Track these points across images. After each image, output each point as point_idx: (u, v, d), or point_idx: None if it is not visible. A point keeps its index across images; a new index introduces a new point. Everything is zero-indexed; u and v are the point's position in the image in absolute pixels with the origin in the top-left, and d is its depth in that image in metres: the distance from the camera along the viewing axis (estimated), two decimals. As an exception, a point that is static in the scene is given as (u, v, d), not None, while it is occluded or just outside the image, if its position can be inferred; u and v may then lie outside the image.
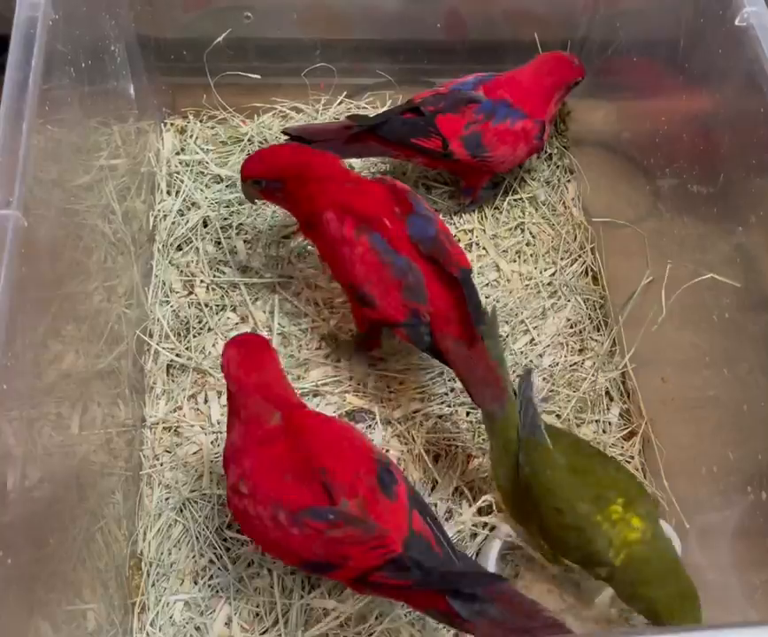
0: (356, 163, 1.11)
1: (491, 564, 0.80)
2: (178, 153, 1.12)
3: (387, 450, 0.91)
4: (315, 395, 0.94)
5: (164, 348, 0.96)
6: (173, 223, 1.05)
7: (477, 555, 0.85)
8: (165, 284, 1.00)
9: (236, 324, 0.99)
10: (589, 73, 1.04)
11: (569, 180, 1.14)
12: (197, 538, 0.85)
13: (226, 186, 1.09)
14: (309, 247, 1.04)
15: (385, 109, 1.13)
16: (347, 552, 0.67)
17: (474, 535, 0.86)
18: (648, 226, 0.96)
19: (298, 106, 1.16)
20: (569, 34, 1.08)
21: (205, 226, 1.06)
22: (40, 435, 0.63)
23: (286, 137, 1.01)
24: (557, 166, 1.15)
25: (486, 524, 0.85)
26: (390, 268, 0.83)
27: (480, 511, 0.86)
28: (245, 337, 0.80)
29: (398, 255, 0.83)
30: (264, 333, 0.98)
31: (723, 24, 0.77)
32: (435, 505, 0.88)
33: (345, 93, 1.16)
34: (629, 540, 0.71)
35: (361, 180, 0.90)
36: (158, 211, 1.06)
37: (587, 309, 1.03)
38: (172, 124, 1.14)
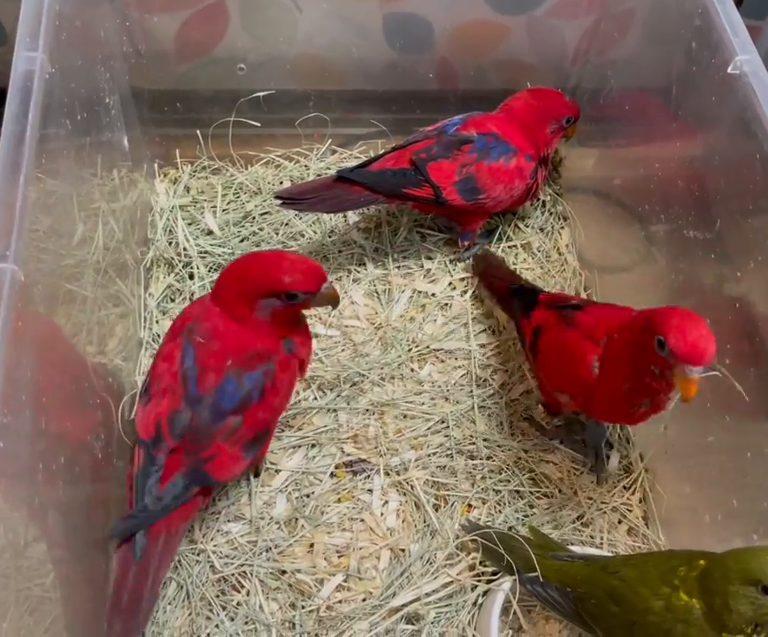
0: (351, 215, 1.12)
1: (494, 617, 0.78)
2: (172, 208, 1.10)
3: (387, 501, 0.90)
4: (313, 446, 0.92)
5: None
6: (167, 274, 1.05)
7: (480, 607, 0.83)
8: (159, 336, 0.99)
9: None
10: (581, 121, 1.05)
11: (563, 227, 1.14)
12: (193, 595, 0.83)
13: (218, 237, 1.08)
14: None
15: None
16: None
17: (474, 587, 0.84)
18: (642, 272, 0.96)
19: (291, 155, 1.17)
20: (560, 83, 1.09)
21: (191, 278, 1.04)
22: (38, 495, 0.62)
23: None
24: (551, 213, 1.15)
25: (484, 574, 0.84)
26: None
27: (481, 563, 0.84)
28: None
29: None
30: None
31: (715, 72, 0.78)
32: (435, 554, 0.86)
33: (338, 142, 1.17)
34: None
35: None
36: (151, 260, 1.05)
37: (584, 355, 1.02)
38: (165, 174, 1.14)
